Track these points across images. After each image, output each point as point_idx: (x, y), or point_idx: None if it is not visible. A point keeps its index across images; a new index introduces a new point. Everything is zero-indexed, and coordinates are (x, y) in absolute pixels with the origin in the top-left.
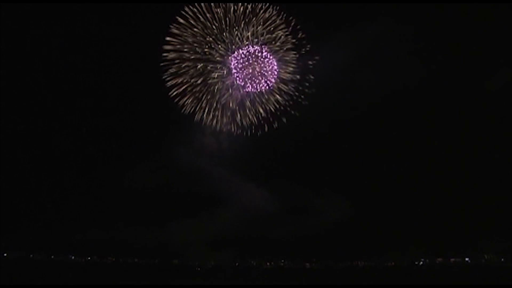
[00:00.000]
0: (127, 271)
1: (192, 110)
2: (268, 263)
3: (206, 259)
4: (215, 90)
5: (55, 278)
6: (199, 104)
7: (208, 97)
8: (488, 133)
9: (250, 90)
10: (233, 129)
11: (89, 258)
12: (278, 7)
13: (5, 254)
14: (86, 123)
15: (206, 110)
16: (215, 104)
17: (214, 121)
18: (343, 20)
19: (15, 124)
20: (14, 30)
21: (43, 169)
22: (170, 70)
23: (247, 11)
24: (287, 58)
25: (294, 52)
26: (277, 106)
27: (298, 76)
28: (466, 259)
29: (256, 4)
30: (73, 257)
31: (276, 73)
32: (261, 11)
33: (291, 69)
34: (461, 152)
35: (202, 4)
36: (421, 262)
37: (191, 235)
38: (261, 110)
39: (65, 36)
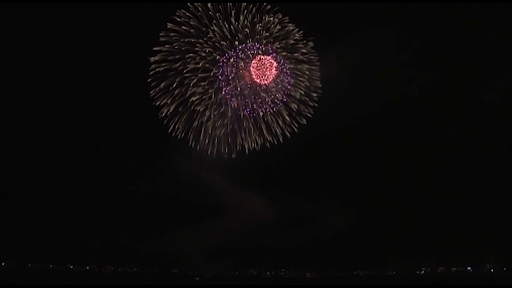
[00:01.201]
0: (126, 280)
1: (183, 134)
2: (268, 273)
3: (206, 268)
4: (206, 111)
5: (53, 287)
6: (191, 128)
7: (202, 119)
8: (490, 141)
9: (247, 114)
10: (232, 155)
11: (87, 267)
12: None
13: (3, 264)
14: (86, 133)
15: (201, 136)
16: (210, 129)
17: (209, 149)
18: (341, 29)
19: (14, 133)
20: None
21: (43, 178)
22: (158, 86)
23: (252, 12)
24: (299, 72)
25: (313, 64)
26: (283, 125)
27: (315, 94)
28: (468, 268)
29: (264, 5)
30: (71, 266)
31: (288, 86)
32: (269, 15)
33: (303, 86)
34: (463, 160)
35: (196, 4)
36: (423, 271)
37: (191, 244)
38: (264, 132)
39: (64, 40)
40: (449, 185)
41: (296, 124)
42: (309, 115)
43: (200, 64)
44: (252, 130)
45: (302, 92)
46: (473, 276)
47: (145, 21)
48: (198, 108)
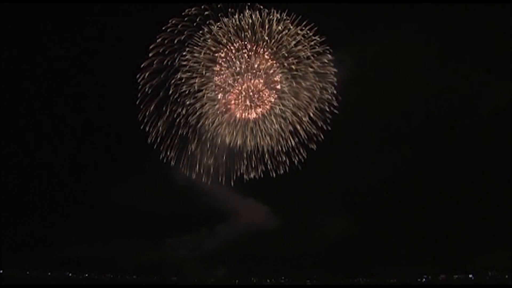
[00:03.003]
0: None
1: (174, 162)
2: (268, 280)
3: (205, 276)
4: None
5: None
6: (182, 155)
7: (191, 146)
8: (491, 146)
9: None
10: (231, 184)
11: (86, 275)
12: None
13: (1, 271)
14: (89, 141)
15: (197, 165)
16: (204, 158)
17: (203, 177)
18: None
19: (11, 140)
20: None
21: (42, 185)
22: (147, 107)
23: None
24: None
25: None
26: (290, 151)
27: (329, 119)
28: (470, 275)
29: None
30: (70, 274)
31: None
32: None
33: (315, 105)
34: (464, 166)
35: (192, 11)
36: (424, 279)
37: (191, 252)
38: (267, 158)
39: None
40: (450, 192)
41: (304, 152)
42: (320, 138)
43: (197, 80)
44: (253, 159)
45: (312, 115)
46: (475, 284)
47: (133, 31)
48: (185, 133)
